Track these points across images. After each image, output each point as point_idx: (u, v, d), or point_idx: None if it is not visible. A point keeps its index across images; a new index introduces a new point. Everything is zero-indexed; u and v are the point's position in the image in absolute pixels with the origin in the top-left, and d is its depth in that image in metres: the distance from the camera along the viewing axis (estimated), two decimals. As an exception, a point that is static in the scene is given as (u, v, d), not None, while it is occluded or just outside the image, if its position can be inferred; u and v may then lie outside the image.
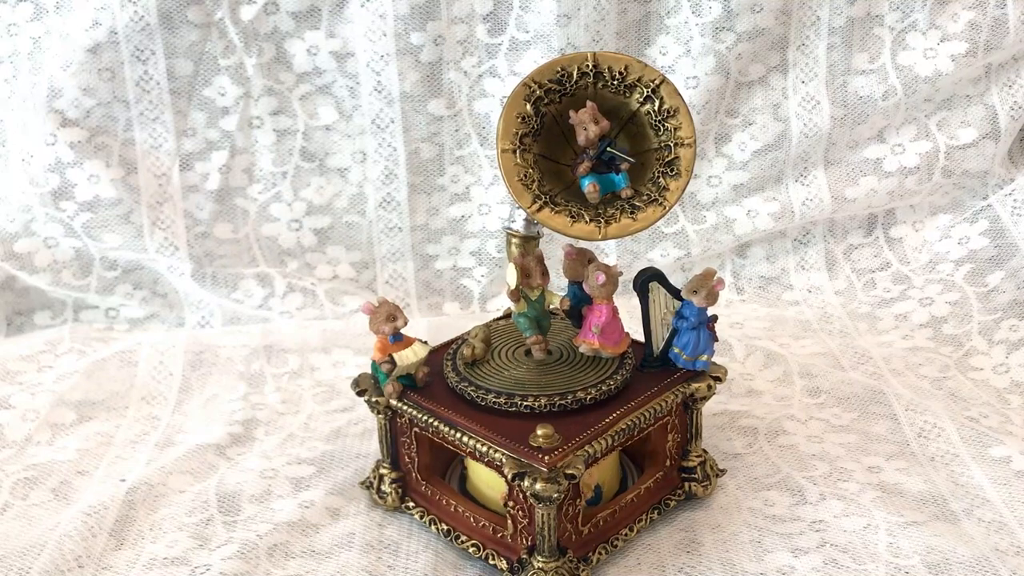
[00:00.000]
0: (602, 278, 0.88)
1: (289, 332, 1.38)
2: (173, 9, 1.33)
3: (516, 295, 0.90)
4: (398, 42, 1.37)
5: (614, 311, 0.89)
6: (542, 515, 0.82)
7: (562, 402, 0.86)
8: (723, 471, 1.02)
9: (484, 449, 0.84)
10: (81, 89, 1.33)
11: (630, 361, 0.92)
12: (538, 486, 0.79)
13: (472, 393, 0.88)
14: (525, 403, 0.86)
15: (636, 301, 0.93)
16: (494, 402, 0.87)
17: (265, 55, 1.37)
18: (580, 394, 0.87)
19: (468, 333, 0.98)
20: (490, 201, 1.46)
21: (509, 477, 0.81)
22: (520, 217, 0.91)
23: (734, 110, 1.44)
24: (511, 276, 0.90)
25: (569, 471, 0.80)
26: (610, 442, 0.85)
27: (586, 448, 0.83)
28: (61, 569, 0.91)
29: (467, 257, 1.48)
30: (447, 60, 1.40)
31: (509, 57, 1.40)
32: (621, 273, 0.89)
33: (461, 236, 1.48)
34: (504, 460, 0.82)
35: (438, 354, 0.97)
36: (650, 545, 0.94)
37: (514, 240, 0.93)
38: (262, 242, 1.44)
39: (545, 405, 0.86)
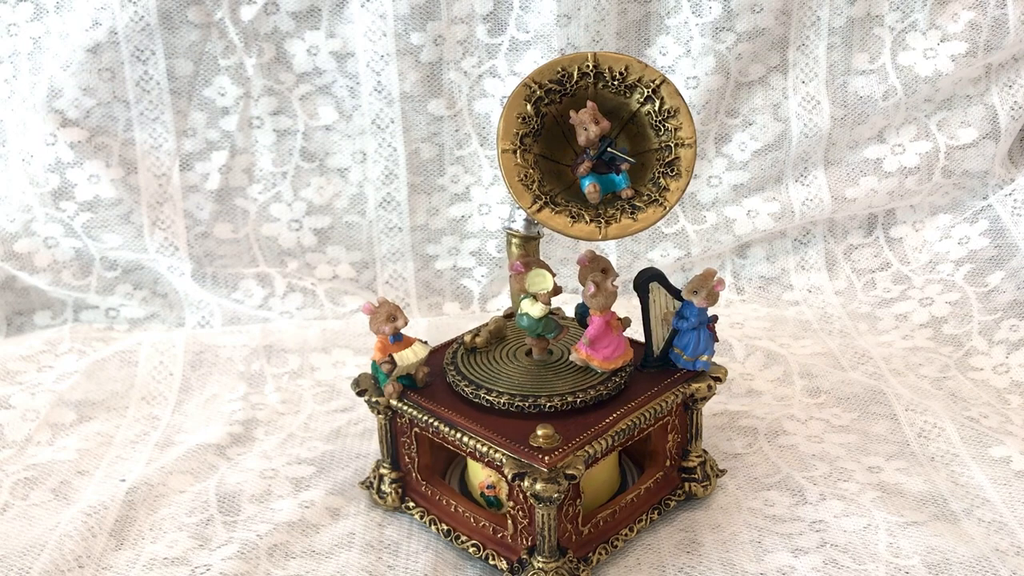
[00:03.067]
0: (591, 289, 0.87)
1: (289, 332, 1.38)
2: (173, 9, 1.33)
3: (548, 298, 0.89)
4: (398, 42, 1.37)
5: (608, 324, 0.88)
6: (542, 515, 0.82)
7: (562, 402, 0.86)
8: (723, 471, 1.02)
9: (484, 449, 0.84)
10: (81, 89, 1.33)
11: (630, 362, 0.92)
12: (538, 486, 0.79)
13: (472, 393, 0.88)
14: (525, 403, 0.86)
15: (636, 301, 0.93)
16: (494, 402, 0.87)
17: (265, 55, 1.37)
18: (580, 394, 0.87)
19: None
20: (490, 201, 1.46)
21: (509, 477, 0.81)
22: (520, 217, 0.92)
23: (734, 110, 1.44)
24: (545, 280, 0.89)
25: (569, 471, 0.80)
26: (610, 442, 0.85)
27: (586, 448, 0.83)
28: (61, 569, 0.91)
29: (467, 257, 1.48)
30: (447, 60, 1.40)
31: (509, 57, 1.40)
32: (616, 288, 0.88)
33: (461, 236, 1.48)
34: (504, 460, 0.82)
35: (438, 354, 0.97)
36: (650, 545, 0.94)
37: (514, 240, 0.93)
38: (262, 242, 1.44)
39: (545, 405, 0.86)
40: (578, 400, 0.87)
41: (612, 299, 0.87)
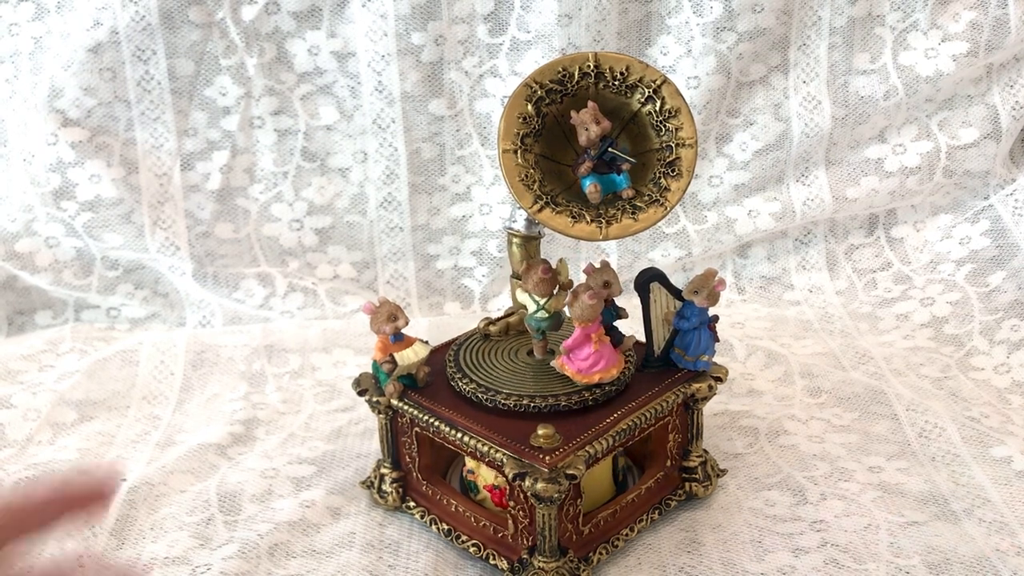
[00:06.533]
0: (568, 297, 0.87)
1: (290, 332, 1.38)
2: (174, 9, 1.33)
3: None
4: (399, 42, 1.37)
5: (588, 337, 0.87)
6: (543, 515, 0.82)
7: (563, 402, 0.86)
8: (724, 471, 1.02)
9: (485, 449, 0.84)
10: (82, 89, 1.34)
11: (631, 362, 0.92)
12: (539, 486, 0.79)
13: (473, 392, 0.88)
14: (526, 403, 0.86)
15: (637, 301, 0.93)
16: (495, 401, 0.87)
17: (266, 55, 1.37)
18: (581, 394, 0.87)
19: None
20: (491, 201, 1.46)
21: (510, 477, 0.81)
22: (521, 217, 0.91)
23: (735, 110, 1.44)
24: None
25: (570, 471, 0.80)
26: (611, 442, 0.84)
27: (587, 448, 0.83)
28: (62, 568, 0.90)
29: (468, 257, 1.48)
30: (448, 60, 1.40)
31: (510, 57, 1.40)
32: (593, 302, 0.86)
33: (462, 236, 1.48)
34: (505, 460, 0.82)
35: (439, 354, 0.97)
36: (651, 545, 0.93)
37: (515, 240, 0.93)
38: (263, 242, 1.45)
39: (546, 405, 0.86)
40: (578, 400, 0.87)
41: (589, 312, 0.86)
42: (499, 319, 0.99)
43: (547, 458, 0.80)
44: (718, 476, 1.00)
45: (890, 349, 1.31)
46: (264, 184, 1.44)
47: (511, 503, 0.86)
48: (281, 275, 1.44)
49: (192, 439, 1.13)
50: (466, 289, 1.49)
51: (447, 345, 0.99)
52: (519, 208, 0.89)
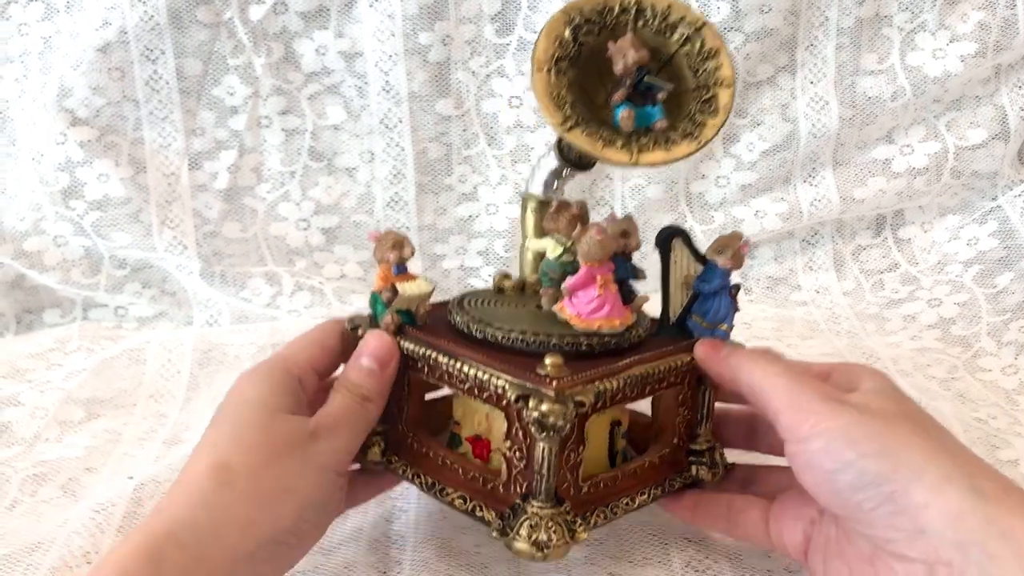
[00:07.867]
0: (576, 233, 0.83)
1: (297, 331, 1.36)
2: (182, 9, 1.34)
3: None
4: (406, 42, 1.38)
5: (593, 278, 0.81)
6: (542, 450, 0.75)
7: (555, 342, 0.80)
8: (732, 465, 1.01)
9: (485, 377, 0.78)
10: (91, 88, 1.34)
11: (642, 325, 0.87)
12: (544, 407, 0.73)
13: (466, 324, 0.83)
14: (516, 336, 0.81)
15: (656, 271, 0.89)
16: (485, 333, 0.81)
17: (274, 55, 1.38)
18: (578, 338, 0.81)
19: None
20: (498, 201, 1.46)
21: (512, 399, 0.75)
22: (539, 179, 0.89)
23: (743, 110, 1.45)
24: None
25: (579, 397, 0.74)
26: (621, 384, 0.79)
27: (597, 384, 0.77)
28: (70, 565, 0.89)
29: (474, 257, 1.49)
30: (455, 60, 1.40)
31: (517, 57, 1.41)
32: (600, 238, 0.80)
33: (468, 236, 1.48)
34: (507, 386, 0.76)
35: (440, 307, 0.90)
36: (657, 538, 0.92)
37: (530, 205, 0.91)
38: (270, 241, 1.45)
39: (537, 341, 0.80)
40: (571, 342, 0.81)
41: (596, 249, 0.80)
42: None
43: (554, 382, 0.74)
44: (725, 469, 0.97)
45: (897, 350, 1.31)
46: (271, 183, 1.44)
47: (507, 443, 0.79)
48: (288, 274, 1.44)
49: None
50: (472, 288, 1.49)
51: (447, 303, 0.92)
52: (542, 157, 0.87)
